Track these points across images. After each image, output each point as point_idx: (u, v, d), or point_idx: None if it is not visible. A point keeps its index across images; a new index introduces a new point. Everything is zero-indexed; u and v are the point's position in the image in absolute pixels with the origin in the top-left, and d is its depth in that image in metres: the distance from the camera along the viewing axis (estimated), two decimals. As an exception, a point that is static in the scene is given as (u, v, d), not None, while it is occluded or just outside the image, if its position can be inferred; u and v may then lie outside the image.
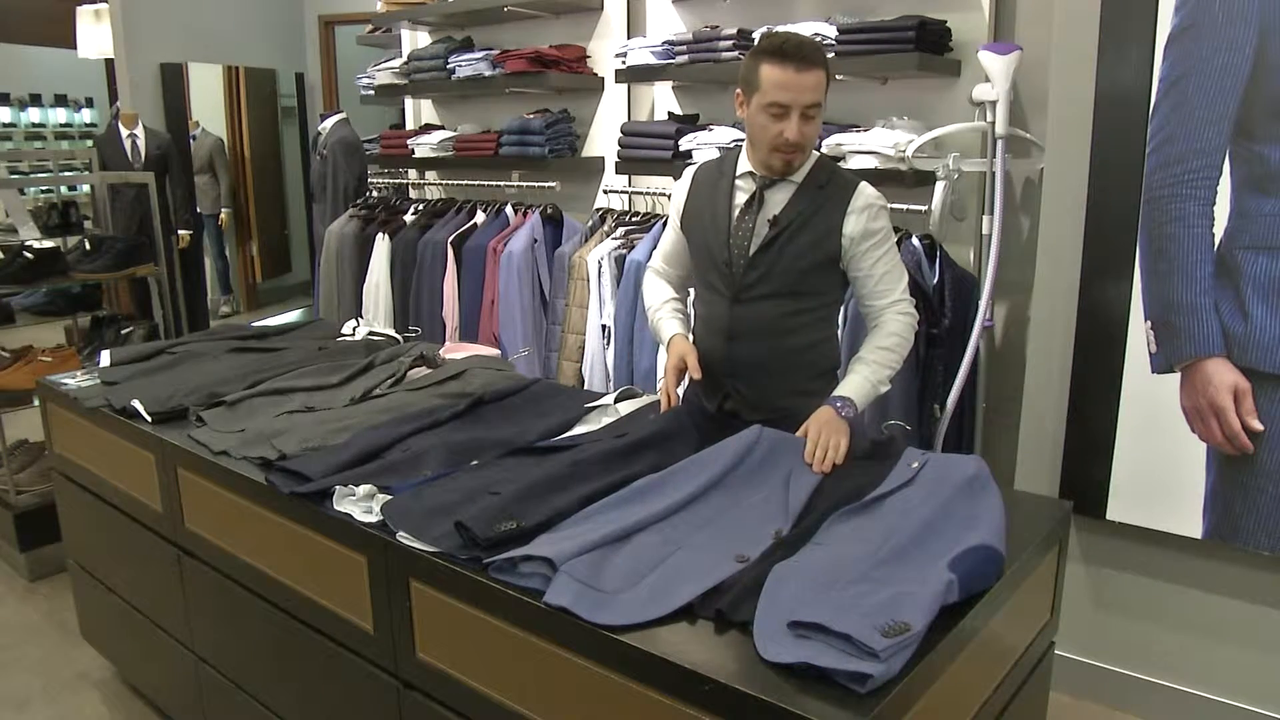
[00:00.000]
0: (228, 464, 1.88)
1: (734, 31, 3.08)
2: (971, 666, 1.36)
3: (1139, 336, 2.30)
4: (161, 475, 2.12)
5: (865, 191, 1.96)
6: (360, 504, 1.64)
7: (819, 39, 2.80)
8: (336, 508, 1.66)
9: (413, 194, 4.45)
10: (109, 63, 6.64)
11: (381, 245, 4.05)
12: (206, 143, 6.18)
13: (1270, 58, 2.05)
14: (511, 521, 1.46)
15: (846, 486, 1.61)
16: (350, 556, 1.64)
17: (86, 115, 8.45)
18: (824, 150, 2.81)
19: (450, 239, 3.77)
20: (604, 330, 3.37)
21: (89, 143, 6.75)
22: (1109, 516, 2.42)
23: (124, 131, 5.27)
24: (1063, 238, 2.40)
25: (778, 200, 1.97)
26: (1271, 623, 2.29)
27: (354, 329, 2.81)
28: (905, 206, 2.71)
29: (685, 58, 3.21)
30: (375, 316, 4.05)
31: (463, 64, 3.87)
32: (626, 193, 3.65)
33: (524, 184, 3.86)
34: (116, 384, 2.38)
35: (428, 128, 4.27)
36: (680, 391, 2.07)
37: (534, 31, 3.88)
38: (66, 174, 5.79)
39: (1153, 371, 2.30)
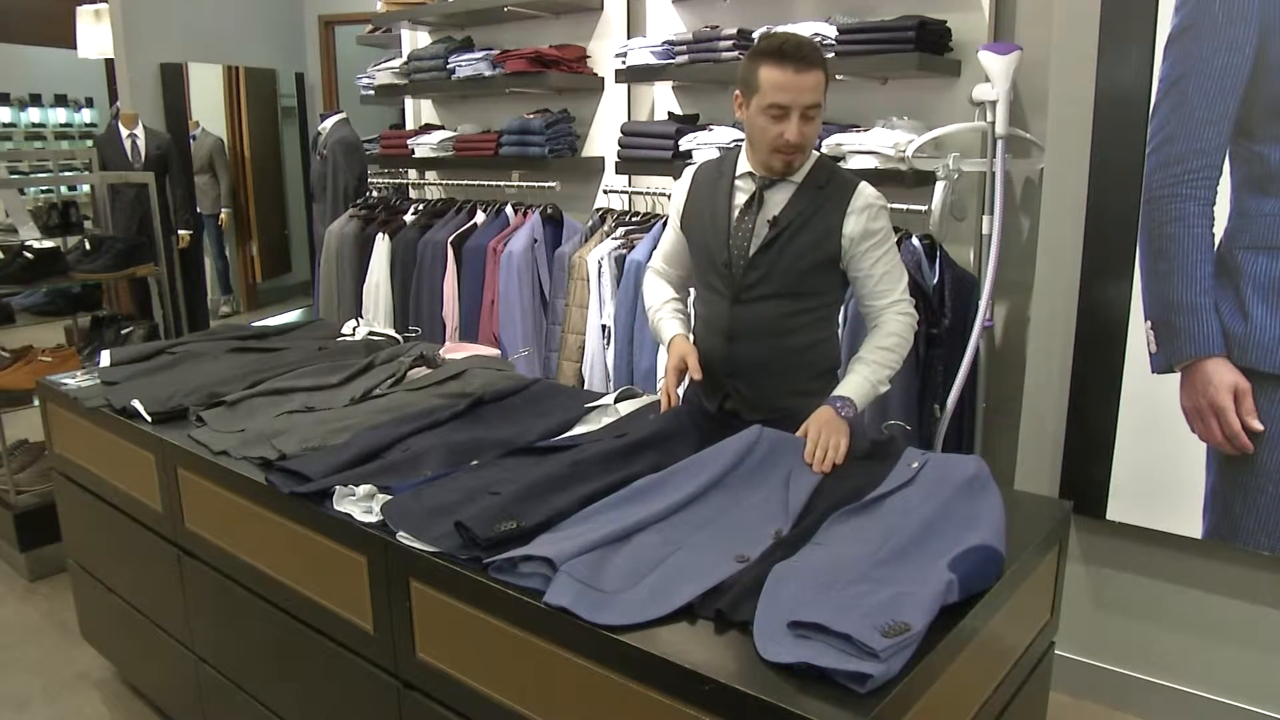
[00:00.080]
0: (228, 464, 1.88)
1: (734, 31, 3.08)
2: (971, 666, 1.36)
3: (1139, 336, 2.30)
4: (161, 475, 2.12)
5: (865, 192, 1.96)
6: (360, 504, 1.64)
7: (819, 39, 2.80)
8: (336, 508, 1.66)
9: (413, 194, 4.45)
10: (109, 63, 6.65)
11: (381, 245, 4.05)
12: (206, 143, 6.18)
13: (1270, 58, 2.05)
14: (511, 521, 1.46)
15: (846, 486, 1.61)
16: (350, 556, 1.64)
17: (86, 115, 8.44)
18: (824, 150, 2.81)
19: (450, 239, 3.77)
20: (604, 330, 3.37)
21: (89, 143, 6.75)
22: (1109, 516, 2.42)
23: (124, 131, 5.27)
24: (1063, 238, 2.40)
25: (777, 201, 1.97)
26: (1271, 623, 2.29)
27: (354, 329, 2.81)
28: (905, 206, 2.70)
29: (685, 58, 3.21)
30: (375, 316, 4.05)
31: (463, 64, 3.87)
32: (626, 193, 3.65)
33: (524, 184, 3.86)
34: (116, 384, 2.38)
35: (428, 128, 4.27)
36: (680, 392, 2.07)
37: (534, 31, 3.88)
38: (66, 174, 5.79)
39: (1153, 371, 2.30)
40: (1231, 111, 2.11)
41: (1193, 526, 2.31)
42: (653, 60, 3.30)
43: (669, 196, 2.37)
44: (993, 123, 2.62)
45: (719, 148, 3.02)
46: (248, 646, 2.03)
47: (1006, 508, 1.50)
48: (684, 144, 3.18)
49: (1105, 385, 2.37)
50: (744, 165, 2.00)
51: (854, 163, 2.76)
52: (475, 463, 1.77)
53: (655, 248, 2.28)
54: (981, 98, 2.61)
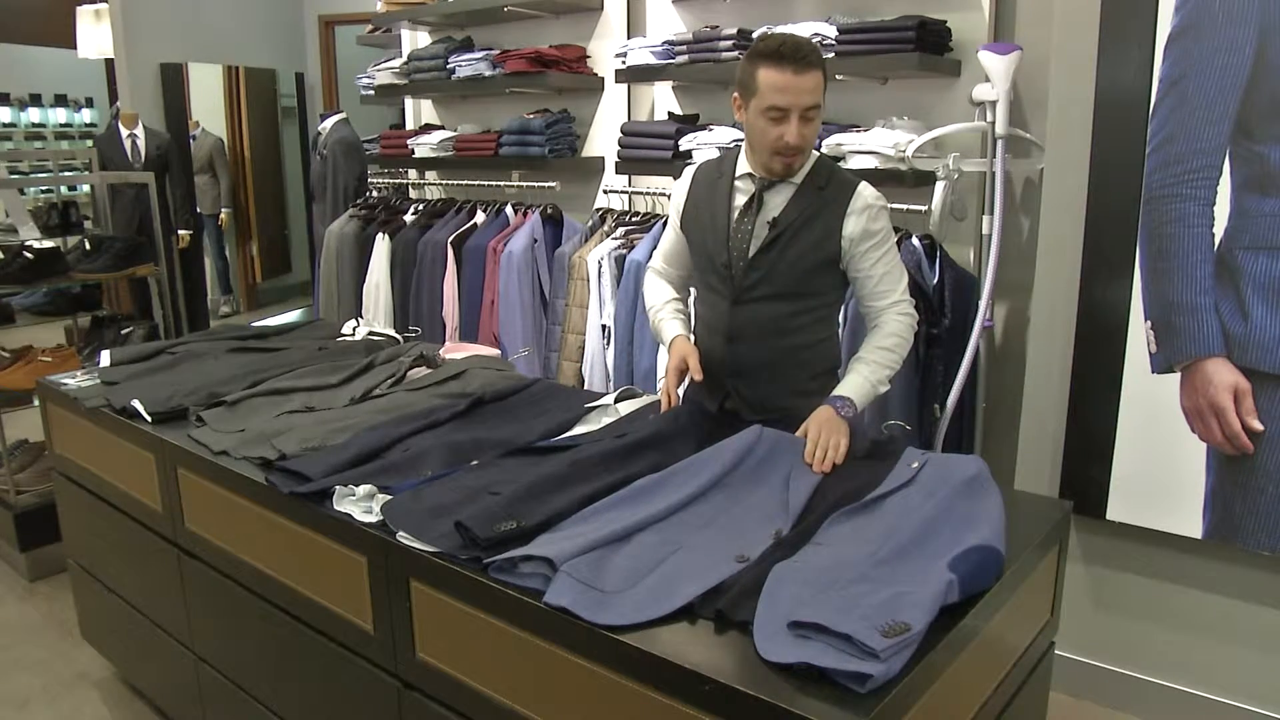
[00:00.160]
0: (228, 464, 1.88)
1: (734, 31, 3.07)
2: (971, 666, 1.36)
3: (1139, 336, 2.30)
4: (161, 475, 2.12)
5: (865, 192, 1.95)
6: (360, 504, 1.64)
7: (818, 39, 2.80)
8: (336, 508, 1.66)
9: (413, 194, 4.45)
10: (109, 63, 6.64)
11: (381, 245, 4.05)
12: (206, 143, 6.18)
13: (1270, 58, 2.05)
14: (511, 521, 1.46)
15: (846, 486, 1.61)
16: (350, 556, 1.64)
17: (86, 115, 8.44)
18: (824, 150, 2.81)
19: (450, 239, 3.77)
20: (604, 330, 3.37)
21: (89, 143, 6.75)
22: (1109, 516, 2.42)
23: (124, 131, 5.27)
24: (1063, 238, 2.40)
25: (777, 202, 1.97)
26: (1271, 623, 2.29)
27: (354, 329, 2.81)
28: (905, 206, 2.70)
29: (685, 58, 3.21)
30: (375, 316, 4.05)
31: (463, 64, 3.87)
32: (626, 193, 3.65)
33: (524, 184, 3.86)
34: (116, 384, 2.38)
35: (428, 128, 4.27)
36: (681, 392, 2.07)
37: (534, 31, 3.88)
38: (66, 174, 5.79)
39: (1153, 371, 2.30)
40: (1231, 112, 2.11)
41: (1193, 526, 2.31)
42: (653, 60, 3.30)
43: (669, 196, 2.37)
44: (993, 123, 2.62)
45: (719, 147, 3.02)
46: (248, 646, 2.03)
47: (1006, 508, 1.50)
48: (684, 144, 3.18)
49: (1105, 385, 2.37)
50: (744, 166, 2.00)
51: (854, 163, 2.76)
52: (475, 463, 1.77)
53: (655, 248, 2.28)
54: (981, 98, 2.61)
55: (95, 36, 6.22)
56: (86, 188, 6.89)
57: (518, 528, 1.46)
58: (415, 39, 4.40)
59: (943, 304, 2.67)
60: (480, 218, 3.85)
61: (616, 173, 3.65)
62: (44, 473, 3.36)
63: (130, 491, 2.27)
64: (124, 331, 3.82)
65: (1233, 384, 2.19)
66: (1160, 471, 2.33)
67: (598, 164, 3.78)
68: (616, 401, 2.07)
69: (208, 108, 6.16)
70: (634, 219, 3.48)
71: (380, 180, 4.61)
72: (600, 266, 3.33)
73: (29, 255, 3.41)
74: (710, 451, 1.71)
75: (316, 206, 4.95)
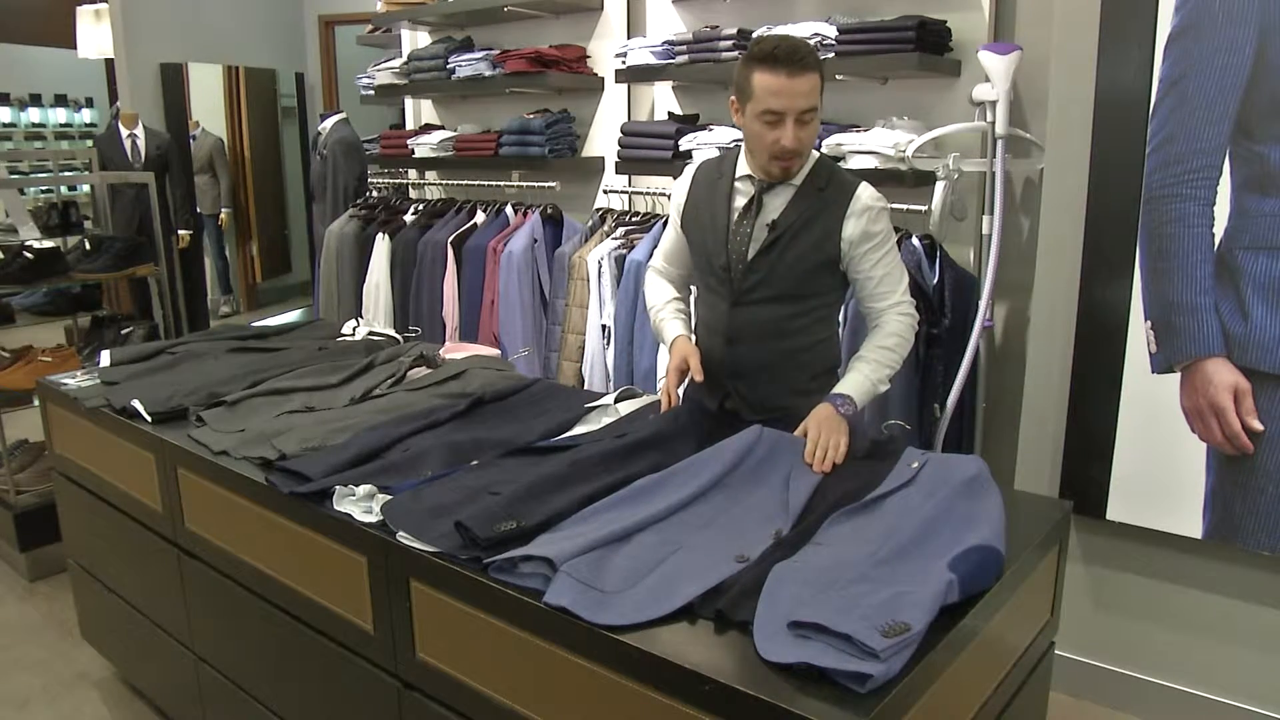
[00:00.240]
0: (228, 464, 1.88)
1: (734, 31, 3.07)
2: (971, 666, 1.36)
3: (1139, 336, 2.30)
4: (161, 475, 2.12)
5: (864, 194, 1.95)
6: (360, 504, 1.64)
7: (818, 39, 2.80)
8: (336, 508, 1.66)
9: (413, 194, 4.45)
10: (109, 63, 6.64)
11: (381, 245, 4.05)
12: (206, 143, 6.18)
13: (1270, 58, 2.05)
14: (511, 521, 1.46)
15: (846, 486, 1.61)
16: (350, 556, 1.64)
17: (86, 115, 8.44)
18: (824, 150, 2.80)
19: (450, 239, 3.77)
20: (604, 330, 3.37)
21: (89, 143, 6.75)
22: (1109, 516, 2.42)
23: (124, 131, 5.27)
24: (1063, 238, 2.40)
25: (777, 204, 1.96)
26: (1271, 623, 2.29)
27: (354, 329, 2.81)
28: (905, 206, 2.70)
29: (685, 58, 3.21)
30: (375, 316, 4.05)
31: (463, 64, 3.87)
32: (626, 193, 3.65)
33: (524, 184, 3.86)
34: (116, 384, 2.38)
35: (428, 128, 4.27)
36: (681, 391, 2.07)
37: (534, 31, 3.88)
38: (66, 174, 5.79)
39: (1153, 371, 2.30)
40: (1231, 111, 2.11)
41: (1193, 526, 2.31)
42: (653, 60, 3.30)
43: (669, 196, 2.37)
44: (993, 123, 2.62)
45: (719, 147, 3.02)
46: (248, 646, 2.03)
47: (1006, 508, 1.50)
48: (684, 144, 3.18)
49: (1105, 385, 2.37)
50: (743, 168, 2.00)
51: (854, 163, 2.76)
52: (475, 463, 1.77)
53: (655, 247, 2.28)
54: (981, 98, 2.61)
55: (95, 36, 6.22)
56: (86, 188, 6.89)
57: (518, 528, 1.46)
58: (415, 39, 4.40)
59: (943, 304, 2.67)
60: (480, 218, 3.85)
61: (616, 173, 3.65)
62: (44, 473, 3.36)
63: (130, 491, 2.27)
64: (124, 331, 3.82)
65: (1233, 384, 2.19)
66: (1160, 471, 2.33)
67: (598, 164, 3.77)
68: (616, 401, 2.07)
69: (208, 108, 6.16)
70: (634, 219, 3.48)
71: (380, 180, 4.61)
72: (600, 266, 3.33)
73: (29, 255, 3.41)
74: (710, 452, 1.71)
75: (316, 206, 4.95)
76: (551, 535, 1.46)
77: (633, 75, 3.39)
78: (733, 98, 1.92)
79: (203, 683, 2.20)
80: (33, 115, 8.08)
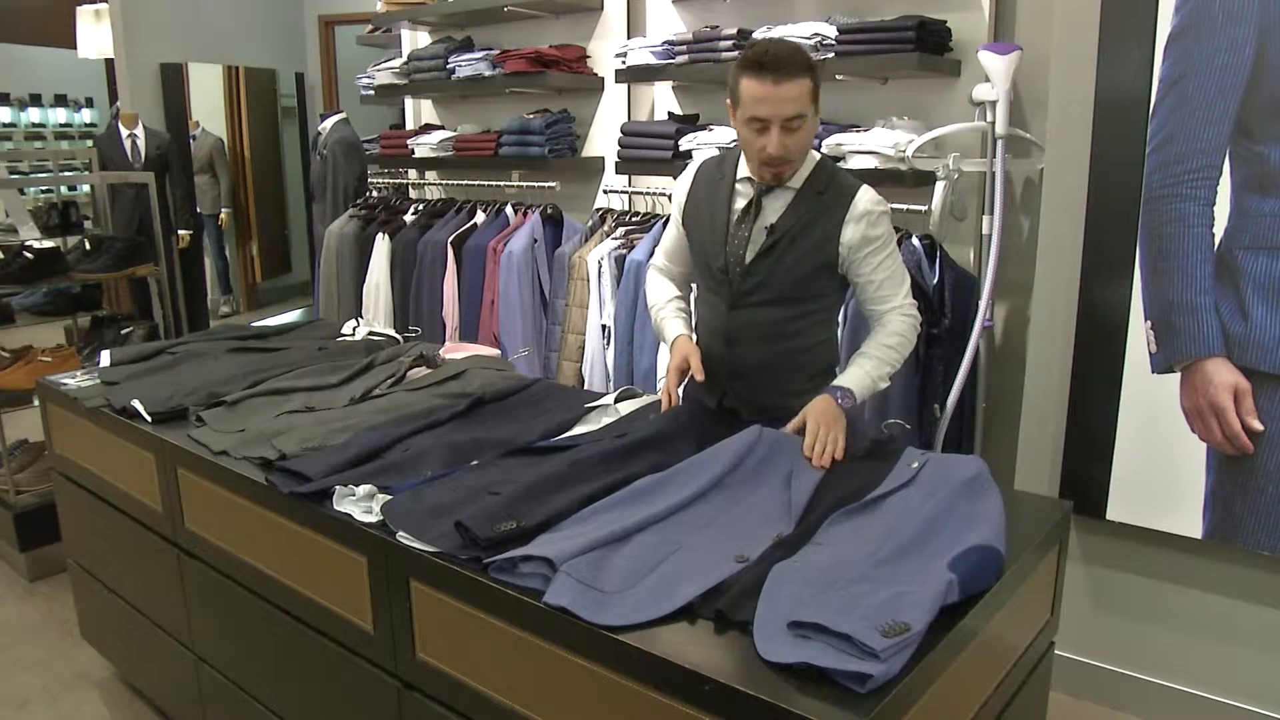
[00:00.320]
0: (228, 464, 1.88)
1: (734, 31, 3.07)
2: (971, 666, 1.36)
3: (1139, 336, 2.30)
4: (161, 475, 2.12)
5: (864, 199, 1.93)
6: (360, 504, 1.64)
7: (818, 39, 2.80)
8: (336, 508, 1.66)
9: (413, 194, 4.45)
10: (109, 63, 6.64)
11: (381, 245, 4.05)
12: (206, 143, 6.18)
13: (1270, 58, 2.05)
14: (511, 521, 1.46)
15: (846, 486, 1.61)
16: (350, 556, 1.64)
17: (86, 115, 8.44)
18: (824, 150, 2.80)
19: (450, 239, 3.77)
20: (604, 330, 3.37)
21: (89, 143, 6.75)
22: (1109, 516, 2.42)
23: (124, 131, 5.27)
24: (1063, 238, 2.40)
25: (775, 207, 1.96)
26: (1271, 623, 2.29)
27: (354, 329, 2.81)
28: (905, 206, 2.70)
29: (685, 58, 3.21)
30: (375, 316, 4.05)
31: (463, 64, 3.87)
32: (626, 193, 3.65)
33: (524, 184, 3.86)
34: (116, 384, 2.38)
35: (428, 128, 4.27)
36: (681, 390, 2.07)
37: (534, 31, 3.88)
38: (66, 174, 5.79)
39: (1153, 371, 2.30)
40: (1231, 111, 2.11)
41: (1193, 526, 2.31)
42: (653, 60, 3.30)
43: (669, 197, 2.37)
44: (993, 123, 2.62)
45: (719, 147, 3.02)
46: (248, 646, 2.03)
47: (1006, 508, 1.50)
48: (684, 144, 3.18)
49: (1105, 385, 2.37)
50: (744, 169, 1.99)
51: (854, 163, 2.76)
52: (475, 463, 1.77)
53: (655, 247, 2.27)
54: (981, 98, 2.61)
55: (95, 36, 6.22)
56: (86, 188, 6.89)
57: (518, 528, 1.46)
58: (415, 39, 4.40)
59: (943, 304, 2.67)
60: (480, 218, 3.85)
61: (616, 173, 3.65)
62: (44, 473, 3.36)
63: (130, 491, 2.27)
64: (124, 331, 3.82)
65: (1233, 384, 2.19)
66: (1160, 471, 2.33)
67: (598, 164, 3.78)
68: (616, 401, 2.07)
69: (208, 108, 6.16)
70: (634, 219, 3.48)
71: (380, 180, 4.61)
72: (600, 266, 3.33)
73: (29, 255, 3.41)
74: (710, 452, 1.71)
75: (316, 206, 4.95)
76: (551, 535, 1.46)
77: (633, 75, 3.39)
78: (728, 100, 1.92)
79: (203, 683, 2.20)
80: (33, 115, 8.08)
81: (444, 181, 4.37)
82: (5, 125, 7.89)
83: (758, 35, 2.96)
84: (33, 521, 3.31)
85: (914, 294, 2.05)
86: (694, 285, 2.24)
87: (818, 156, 1.98)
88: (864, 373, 1.91)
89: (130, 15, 5.58)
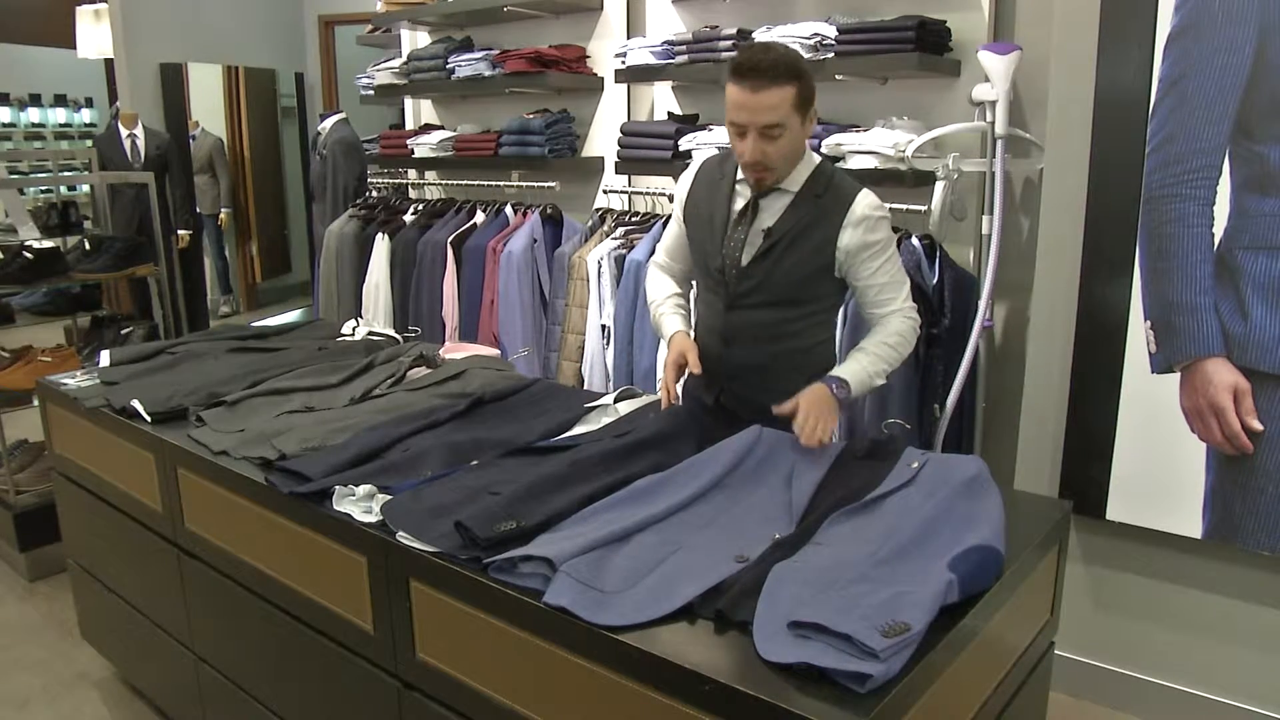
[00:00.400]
0: (228, 464, 1.88)
1: (734, 31, 3.07)
2: (971, 666, 1.36)
3: (1139, 336, 2.30)
4: (161, 475, 2.12)
5: (862, 203, 1.92)
6: (360, 504, 1.64)
7: (818, 39, 2.80)
8: (336, 508, 1.66)
9: (412, 194, 4.45)
10: (109, 63, 6.64)
11: (381, 245, 4.05)
12: (206, 143, 6.18)
13: (1270, 58, 2.05)
14: (511, 521, 1.46)
15: (847, 486, 1.61)
16: (350, 556, 1.64)
17: (86, 115, 8.44)
18: (824, 150, 2.81)
19: (450, 239, 3.77)
20: (604, 330, 3.37)
21: (89, 143, 6.75)
22: (1109, 516, 2.42)
23: (124, 131, 5.27)
24: (1063, 238, 2.40)
25: (773, 210, 1.95)
26: (1271, 623, 2.29)
27: (354, 329, 2.81)
28: (905, 206, 2.70)
29: (685, 58, 3.21)
30: (375, 316, 4.05)
31: (462, 64, 3.87)
32: (626, 193, 3.65)
33: (524, 184, 3.86)
34: (116, 384, 2.38)
35: (428, 128, 4.27)
36: (680, 387, 2.07)
37: (534, 31, 3.88)
38: (66, 174, 5.79)
39: (1153, 371, 2.30)
40: (1231, 111, 2.11)
41: (1193, 526, 2.31)
42: (652, 60, 3.30)
43: (669, 197, 2.37)
44: (992, 123, 2.62)
45: (718, 147, 3.02)
46: (248, 646, 2.03)
47: (1006, 508, 1.50)
48: (684, 144, 3.18)
49: (1105, 385, 2.37)
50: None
51: (854, 163, 2.76)
52: (475, 463, 1.77)
53: (655, 247, 2.27)
54: (981, 98, 2.61)
55: (95, 36, 6.22)
56: (86, 188, 6.89)
57: (518, 528, 1.46)
58: (415, 39, 4.40)
59: (943, 304, 2.67)
60: (480, 218, 3.85)
61: (616, 173, 3.65)
62: (44, 473, 3.36)
63: (130, 491, 2.27)
64: (124, 331, 3.82)
65: (1232, 384, 2.19)
66: (1160, 471, 2.33)
67: (597, 164, 3.78)
68: (616, 401, 2.07)
69: (208, 108, 6.16)
70: (634, 219, 3.48)
71: (380, 180, 4.61)
72: (600, 266, 3.33)
73: (29, 255, 3.41)
74: (710, 452, 1.71)
75: (316, 206, 4.95)
76: (551, 535, 1.46)
77: (632, 75, 3.39)
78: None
79: (203, 683, 2.20)
80: (32, 115, 8.08)
81: (444, 181, 4.37)
82: (5, 125, 7.89)
83: (758, 35, 2.96)
84: (33, 521, 3.31)
85: (914, 294, 2.05)
86: (695, 283, 2.24)
87: (817, 159, 1.98)
88: (860, 367, 1.91)
89: (130, 15, 5.58)
